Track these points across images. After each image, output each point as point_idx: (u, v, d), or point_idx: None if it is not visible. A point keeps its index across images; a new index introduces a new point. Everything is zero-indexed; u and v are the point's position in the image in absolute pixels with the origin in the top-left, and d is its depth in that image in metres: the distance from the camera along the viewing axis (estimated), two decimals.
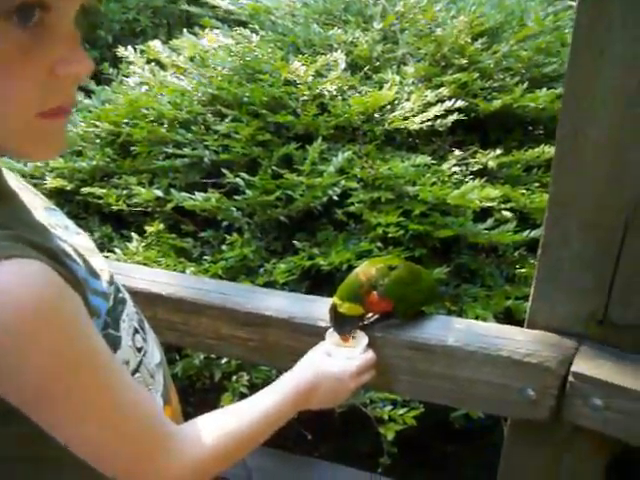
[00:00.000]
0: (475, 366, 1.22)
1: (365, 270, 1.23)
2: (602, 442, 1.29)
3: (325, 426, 1.74)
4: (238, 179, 1.79)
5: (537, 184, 1.83)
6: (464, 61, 2.19)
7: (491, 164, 1.82)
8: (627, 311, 1.16)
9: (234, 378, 1.61)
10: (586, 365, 1.16)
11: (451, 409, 1.54)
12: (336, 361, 1.20)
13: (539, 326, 1.25)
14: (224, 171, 1.83)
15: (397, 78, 2.10)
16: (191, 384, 1.69)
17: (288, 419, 1.14)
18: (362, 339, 1.24)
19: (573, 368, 1.16)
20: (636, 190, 1.06)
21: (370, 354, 1.23)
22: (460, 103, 1.97)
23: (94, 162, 2.13)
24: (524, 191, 1.79)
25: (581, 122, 1.05)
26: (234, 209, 1.79)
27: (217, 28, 2.71)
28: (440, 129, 1.96)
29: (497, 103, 2.00)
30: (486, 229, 1.65)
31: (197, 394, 1.67)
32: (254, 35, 2.50)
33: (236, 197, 1.78)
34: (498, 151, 1.88)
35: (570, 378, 1.16)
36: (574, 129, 1.06)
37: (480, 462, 1.82)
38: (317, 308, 1.31)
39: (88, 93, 2.61)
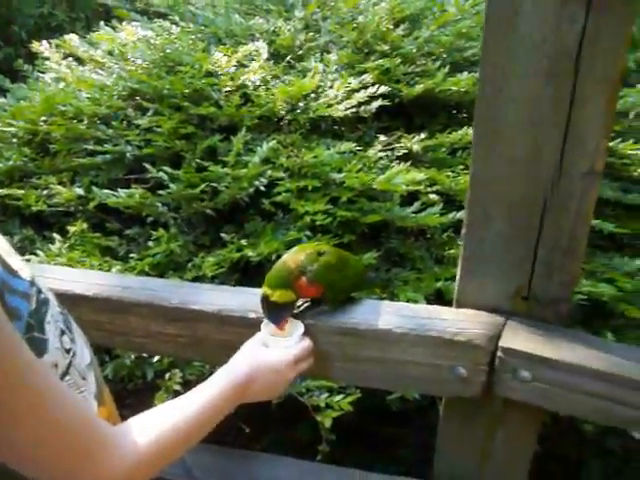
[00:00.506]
0: (406, 348, 1.23)
1: (293, 257, 1.23)
2: (533, 414, 1.33)
3: (264, 418, 1.73)
4: (162, 173, 1.75)
5: (462, 166, 1.85)
6: (386, 47, 2.20)
7: (416, 148, 1.83)
8: (549, 286, 1.19)
9: (167, 376, 1.58)
10: (513, 340, 1.19)
11: (387, 392, 1.55)
12: (273, 351, 1.19)
13: (467, 305, 1.27)
14: (147, 166, 1.78)
15: (320, 66, 2.10)
16: (123, 385, 1.65)
17: (227, 414, 1.13)
18: (297, 327, 1.24)
19: (501, 343, 1.18)
20: (552, 168, 1.08)
21: (307, 342, 1.22)
22: (383, 89, 1.98)
23: (11, 162, 2.05)
24: (449, 173, 1.81)
25: (497, 103, 1.07)
26: (159, 204, 1.75)
27: (136, 21, 2.65)
28: (365, 115, 1.96)
29: (420, 88, 2.02)
30: (413, 213, 1.67)
31: (130, 395, 1.63)
32: (174, 27, 2.46)
33: (160, 192, 1.75)
34: (422, 135, 1.90)
35: (499, 353, 1.19)
36: (490, 111, 1.08)
37: (419, 442, 1.85)
38: (246, 299, 1.30)
39: (3, 91, 2.51)
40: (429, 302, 1.61)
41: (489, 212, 1.15)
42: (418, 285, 1.63)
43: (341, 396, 1.51)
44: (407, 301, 1.58)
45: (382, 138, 1.93)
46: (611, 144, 2.11)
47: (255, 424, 1.77)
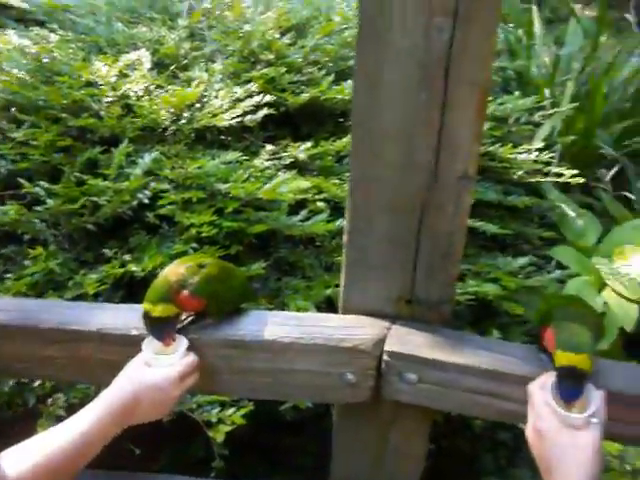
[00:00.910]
0: (292, 357, 1.22)
1: (173, 270, 1.19)
2: (422, 414, 1.35)
3: (158, 437, 1.68)
4: (38, 188, 1.66)
5: (348, 174, 1.87)
6: (272, 56, 2.20)
7: (302, 157, 1.84)
8: (431, 289, 1.21)
9: (49, 401, 1.50)
10: (398, 343, 1.20)
11: (280, 402, 1.54)
12: (156, 370, 1.15)
13: (353, 311, 1.27)
14: (22, 181, 1.70)
15: (205, 75, 2.07)
16: (2, 414, 1.55)
17: (111, 437, 1.09)
18: (181, 343, 1.20)
19: (386, 347, 1.19)
20: (428, 173, 1.10)
21: (191, 357, 1.19)
22: (269, 98, 1.97)
23: None
24: (336, 181, 1.83)
25: (372, 110, 1.08)
26: (36, 221, 1.66)
27: (11, 28, 2.52)
28: (251, 125, 1.95)
29: (305, 96, 2.03)
30: (300, 221, 1.67)
31: (10, 424, 1.54)
32: (52, 35, 2.36)
33: (37, 208, 1.66)
34: (308, 143, 1.90)
35: (385, 357, 1.20)
36: (365, 117, 1.09)
37: (317, 450, 1.84)
38: (128, 316, 1.25)
39: None
40: (320, 310, 1.61)
41: (369, 218, 1.16)
42: (308, 293, 1.63)
43: (233, 409, 1.48)
44: (297, 310, 1.58)
45: (269, 147, 1.92)
46: (491, 149, 2.19)
47: (149, 444, 1.71)
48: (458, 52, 1.01)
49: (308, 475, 1.84)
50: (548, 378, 1.08)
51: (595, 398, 1.05)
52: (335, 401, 1.36)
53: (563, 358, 1.03)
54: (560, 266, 2.21)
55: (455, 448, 1.81)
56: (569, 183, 2.40)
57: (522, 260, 1.98)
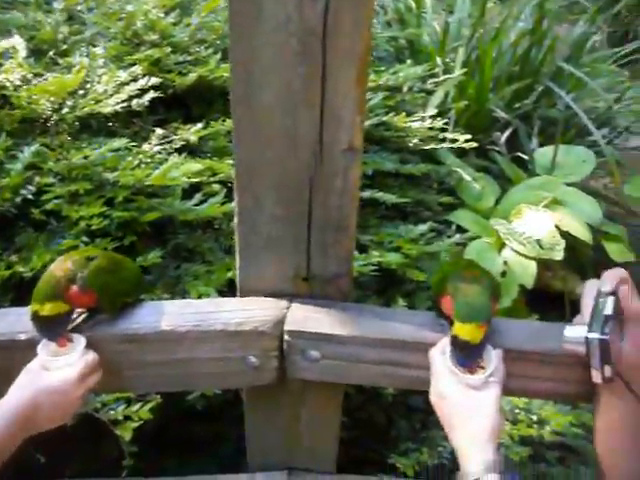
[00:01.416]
0: (192, 346, 1.19)
1: (59, 265, 1.14)
2: (331, 389, 1.35)
3: (66, 442, 1.61)
4: None
5: None
6: (156, 37, 2.12)
7: (193, 139, 1.79)
8: (327, 264, 1.21)
9: None
10: (298, 322, 1.19)
11: (188, 392, 1.51)
12: (54, 373, 1.10)
13: (251, 292, 1.25)
14: None
15: (86, 60, 1.98)
16: None
17: (14, 448, 1.04)
18: (78, 342, 1.15)
19: (286, 327, 1.18)
20: (313, 147, 1.09)
21: (90, 355, 1.15)
22: (155, 80, 1.90)
23: None
24: (231, 161, 1.79)
25: (251, 87, 1.05)
26: None
27: None
28: (139, 109, 1.88)
29: (193, 76, 1.97)
30: (195, 205, 1.63)
31: None
32: None
33: None
34: (199, 125, 1.85)
35: (285, 337, 1.19)
36: (245, 94, 1.06)
37: (234, 435, 1.82)
38: (14, 320, 1.18)
39: None
40: (222, 294, 1.58)
41: (258, 197, 1.14)
42: (209, 278, 1.60)
43: (139, 405, 1.44)
44: (199, 296, 1.55)
45: (159, 131, 1.85)
46: (385, 118, 2.20)
47: (57, 451, 1.64)
48: (334, 22, 0.99)
49: (230, 461, 1.82)
50: (447, 342, 1.09)
51: (493, 358, 1.08)
52: (241, 386, 1.34)
53: (458, 327, 1.05)
54: (460, 230, 2.25)
55: (370, 418, 1.82)
56: (465, 148, 2.45)
57: (422, 227, 2.00)
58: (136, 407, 1.44)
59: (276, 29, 1.00)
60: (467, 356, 1.05)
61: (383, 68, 2.62)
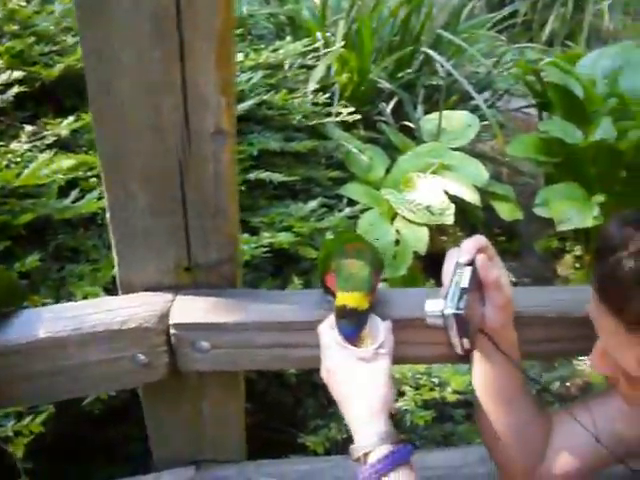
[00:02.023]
0: (77, 351, 1.14)
1: None
2: (227, 378, 1.33)
3: None
4: None
5: None
6: (17, 27, 2.00)
7: (64, 133, 1.71)
8: (208, 252, 1.18)
9: None
10: (183, 314, 1.16)
11: (81, 398, 1.45)
12: None
13: (133, 289, 1.21)
14: None
15: None
16: None
17: None
18: None
19: (172, 321, 1.15)
20: (180, 133, 1.05)
21: None
22: (18, 74, 1.80)
23: None
24: None
25: (107, 75, 1.00)
26: None
27: None
28: (3, 106, 1.77)
29: (60, 67, 1.88)
30: (72, 202, 1.55)
31: None
32: None
33: None
34: (70, 118, 1.77)
35: (172, 331, 1.15)
36: (102, 84, 1.01)
37: (138, 436, 1.78)
38: None
39: None
40: (109, 292, 1.52)
41: (128, 190, 1.09)
42: (95, 277, 1.54)
43: (30, 418, 1.37)
44: (85, 297, 1.48)
45: (28, 128, 1.76)
46: (266, 97, 2.17)
47: None
48: (187, 1, 0.95)
49: (141, 462, 1.78)
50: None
51: (382, 329, 1.08)
52: (133, 385, 1.30)
53: (340, 298, 1.05)
54: (352, 203, 2.27)
55: (276, 400, 1.82)
56: (353, 121, 2.46)
57: (313, 204, 2.00)
58: (27, 421, 1.37)
59: (127, 11, 0.96)
60: (352, 325, 1.05)
61: (263, 46, 2.58)
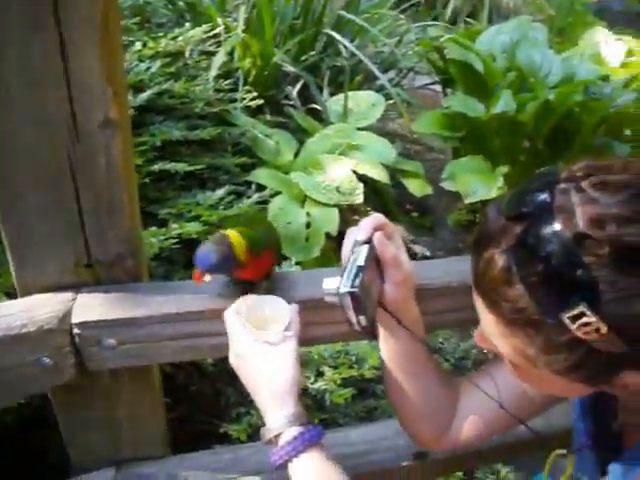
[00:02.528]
0: None
1: None
2: (140, 373, 1.31)
3: None
4: None
5: None
6: None
7: None
8: (108, 247, 1.15)
9: None
10: (86, 312, 1.13)
11: None
12: None
13: (32, 290, 1.16)
14: None
15: None
16: None
17: None
18: None
19: (74, 320, 1.12)
20: (66, 126, 1.02)
21: None
22: None
23: None
24: None
25: None
26: None
27: None
28: None
29: None
30: None
31: None
32: None
33: None
34: None
35: (76, 330, 1.12)
36: None
37: (57, 441, 1.73)
38: None
39: None
40: (11, 297, 1.47)
41: (17, 189, 1.05)
42: None
43: None
44: None
45: None
46: (166, 86, 2.13)
47: None
48: None
49: (63, 468, 1.73)
50: (241, 303, 1.09)
51: (287, 313, 1.09)
52: (42, 389, 1.26)
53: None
54: (261, 189, 2.26)
55: (197, 392, 1.81)
56: (260, 106, 2.45)
57: (220, 191, 1.98)
58: None
59: (2, 4, 0.92)
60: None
61: (161, 34, 2.52)
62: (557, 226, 0.74)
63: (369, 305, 1.01)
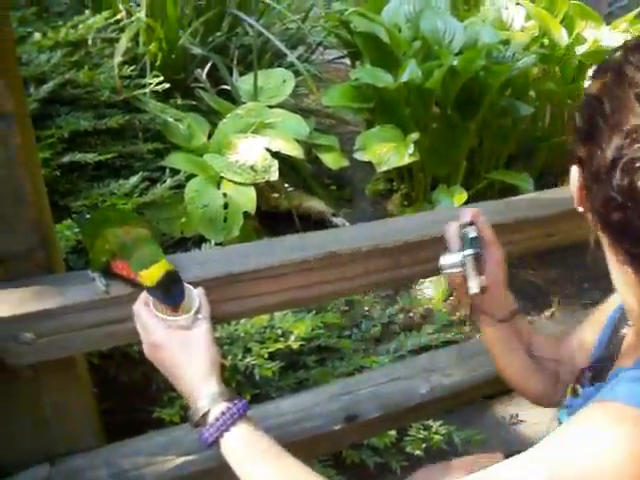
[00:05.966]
0: None
1: None
2: (64, 366, 1.30)
3: None
4: None
5: None
6: None
7: None
8: (15, 240, 1.15)
9: None
10: None
11: None
12: None
13: None
14: None
15: None
16: None
17: None
18: None
19: None
20: None
21: None
22: None
23: None
24: None
25: None
26: None
27: None
28: None
29: None
30: None
31: None
32: None
33: None
34: None
35: None
36: None
37: None
38: None
39: None
40: None
41: None
42: None
43: None
44: None
45: None
46: (69, 75, 2.08)
47: None
48: None
49: None
50: (147, 294, 1.10)
51: (195, 296, 1.11)
52: None
53: (147, 274, 1.05)
54: (176, 173, 2.25)
55: (127, 380, 1.80)
56: (170, 90, 2.43)
57: (134, 179, 1.97)
58: None
59: None
60: (174, 292, 1.07)
61: (61, 23, 2.46)
62: None
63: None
